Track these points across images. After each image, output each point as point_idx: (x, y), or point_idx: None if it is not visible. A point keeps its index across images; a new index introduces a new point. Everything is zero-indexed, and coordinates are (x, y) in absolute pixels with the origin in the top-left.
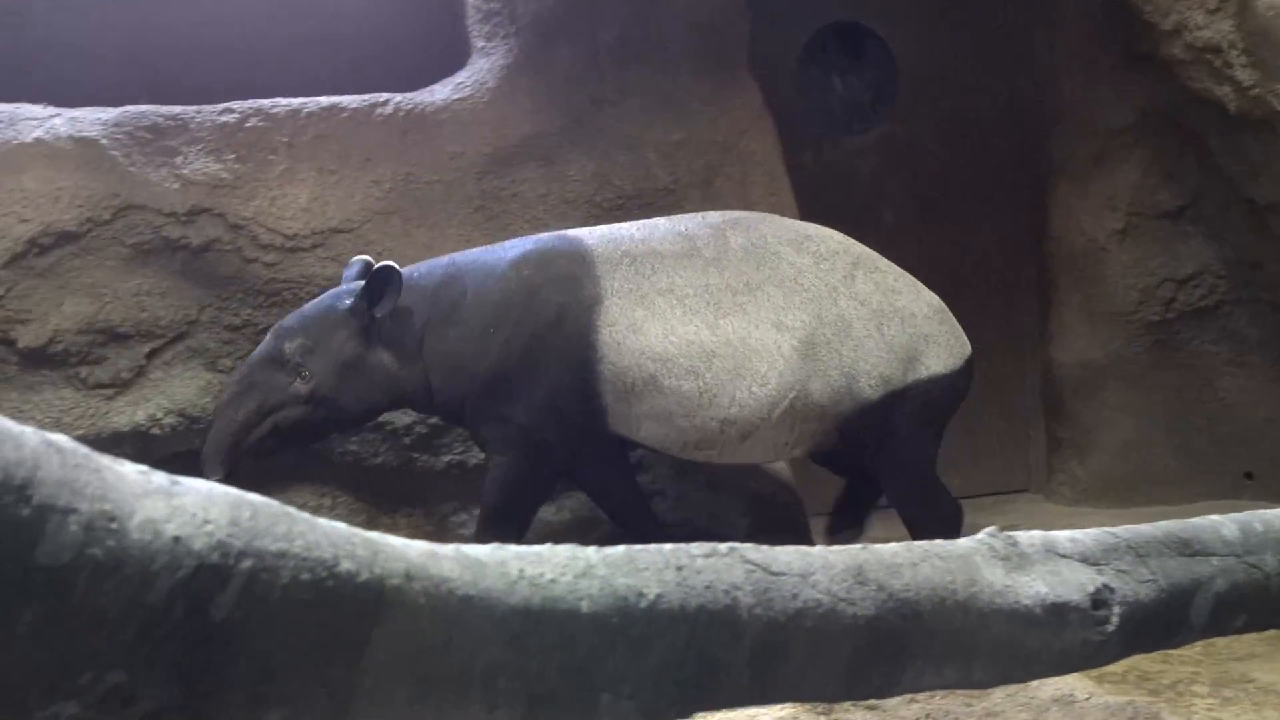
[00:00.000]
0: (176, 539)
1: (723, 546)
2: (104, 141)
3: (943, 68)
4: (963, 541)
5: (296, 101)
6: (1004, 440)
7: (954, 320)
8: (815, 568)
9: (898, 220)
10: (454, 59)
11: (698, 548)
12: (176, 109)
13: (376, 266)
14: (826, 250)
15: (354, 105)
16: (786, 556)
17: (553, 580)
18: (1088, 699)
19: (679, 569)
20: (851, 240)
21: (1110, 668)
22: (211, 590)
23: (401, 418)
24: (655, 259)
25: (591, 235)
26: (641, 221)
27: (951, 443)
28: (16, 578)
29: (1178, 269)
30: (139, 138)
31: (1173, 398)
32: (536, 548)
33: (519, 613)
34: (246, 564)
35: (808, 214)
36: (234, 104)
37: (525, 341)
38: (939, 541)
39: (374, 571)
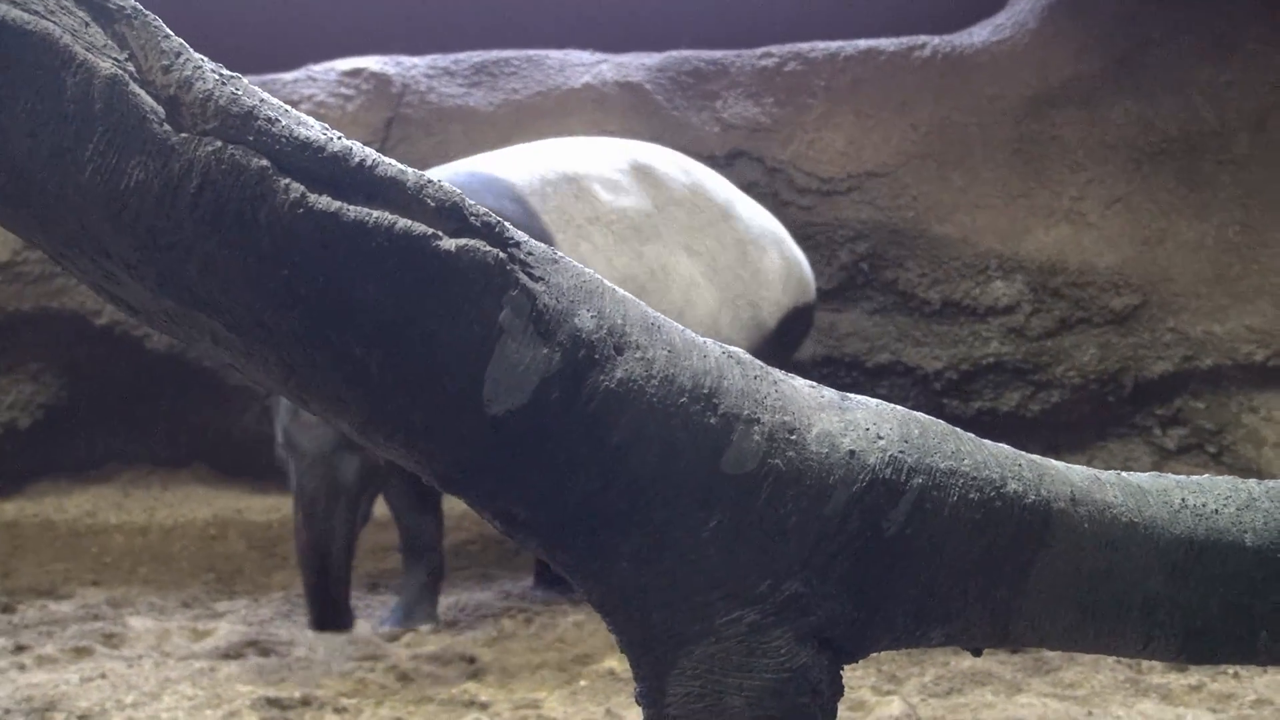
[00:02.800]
0: (852, 453)
1: None
2: (648, 86)
3: None
4: None
5: (834, 45)
6: None
7: None
8: None
9: None
10: (992, 0)
11: None
12: (717, 53)
13: None
14: (703, 171)
15: (891, 48)
16: None
17: (1216, 511)
18: None
19: None
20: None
21: None
22: (884, 505)
23: (932, 363)
24: (571, 184)
25: (497, 165)
26: (516, 148)
27: None
28: (704, 483)
29: None
30: (681, 82)
31: None
32: (1196, 478)
33: (1182, 543)
34: (917, 480)
35: None
36: (773, 48)
37: None
38: None
39: (1040, 494)
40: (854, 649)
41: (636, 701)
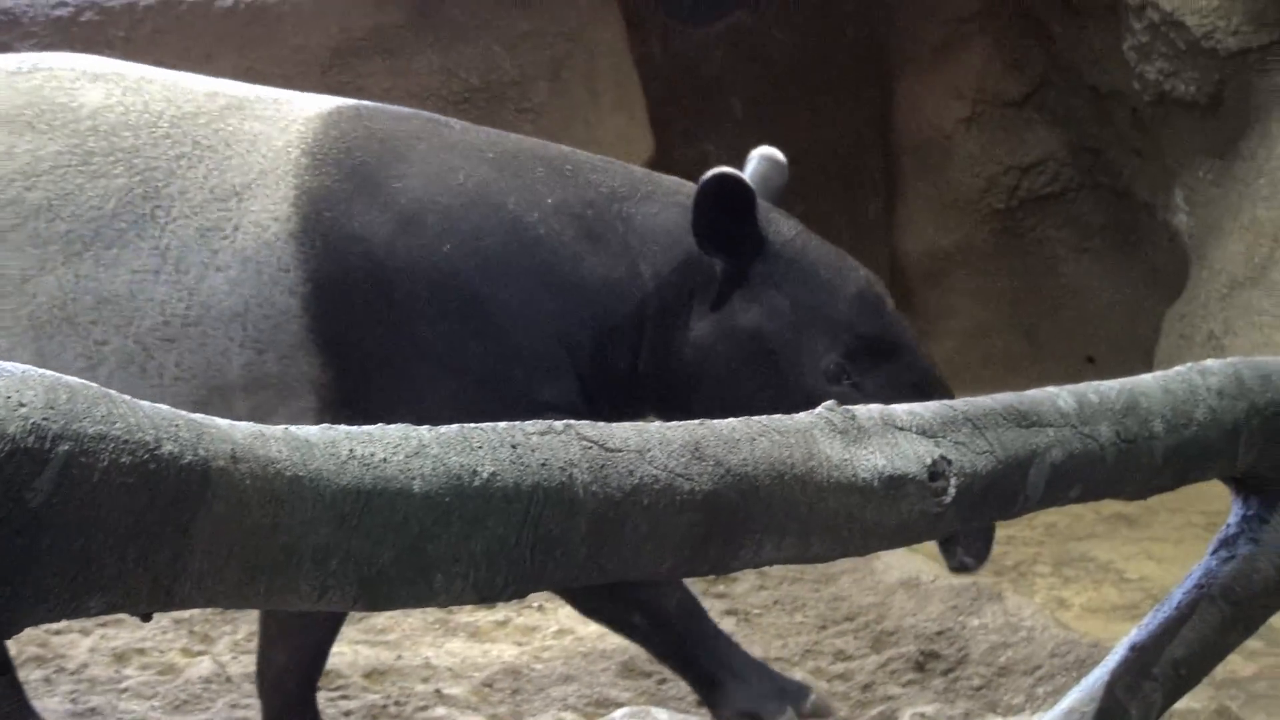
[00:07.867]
0: None
1: (558, 424)
2: None
3: None
4: (801, 416)
5: None
6: None
7: None
8: (652, 444)
9: (746, 111)
10: None
11: (533, 425)
12: (8, 2)
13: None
14: None
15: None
16: (623, 433)
17: (384, 460)
18: (933, 581)
19: (514, 447)
20: None
21: None
22: (27, 475)
23: None
24: None
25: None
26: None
27: None
28: None
29: (1023, 156)
30: None
31: (1017, 283)
32: (368, 427)
33: (349, 493)
34: (64, 447)
35: (655, 104)
36: None
37: None
38: (778, 416)
39: (198, 453)
40: (4, 624)
41: None
